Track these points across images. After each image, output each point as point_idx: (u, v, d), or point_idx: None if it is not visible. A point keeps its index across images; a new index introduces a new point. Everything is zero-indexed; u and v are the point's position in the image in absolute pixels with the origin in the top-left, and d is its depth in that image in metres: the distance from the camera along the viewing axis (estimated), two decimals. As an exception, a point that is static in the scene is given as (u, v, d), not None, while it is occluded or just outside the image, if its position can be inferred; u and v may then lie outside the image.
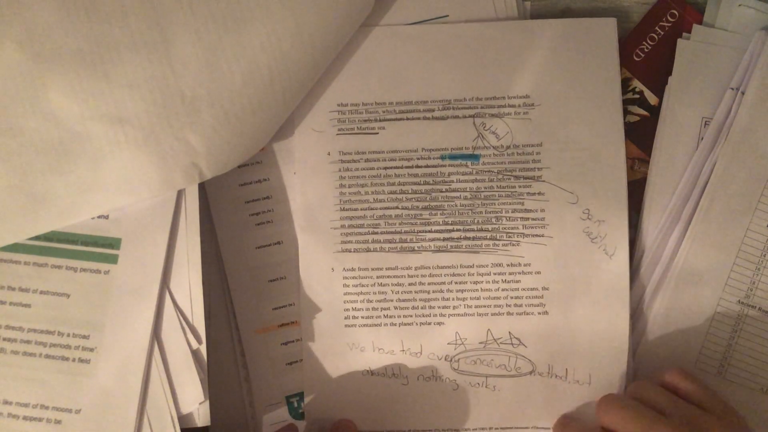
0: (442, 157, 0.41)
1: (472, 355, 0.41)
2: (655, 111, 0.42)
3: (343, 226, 0.41)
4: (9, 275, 0.36)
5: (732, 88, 0.41)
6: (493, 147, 0.41)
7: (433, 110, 0.41)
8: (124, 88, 0.35)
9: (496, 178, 0.41)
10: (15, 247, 0.37)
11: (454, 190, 0.41)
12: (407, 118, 0.41)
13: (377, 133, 0.41)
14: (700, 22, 0.42)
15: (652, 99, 0.43)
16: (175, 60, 0.35)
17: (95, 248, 0.37)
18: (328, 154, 0.41)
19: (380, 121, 0.41)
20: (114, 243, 0.37)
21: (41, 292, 0.37)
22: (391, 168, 0.41)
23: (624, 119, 0.42)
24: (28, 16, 0.35)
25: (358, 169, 0.41)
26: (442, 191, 0.41)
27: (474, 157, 0.41)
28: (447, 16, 0.42)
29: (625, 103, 0.42)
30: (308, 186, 0.41)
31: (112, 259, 0.37)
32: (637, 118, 0.42)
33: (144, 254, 0.37)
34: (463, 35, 0.41)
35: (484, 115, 0.41)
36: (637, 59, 0.43)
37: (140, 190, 0.36)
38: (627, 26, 0.43)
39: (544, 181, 0.41)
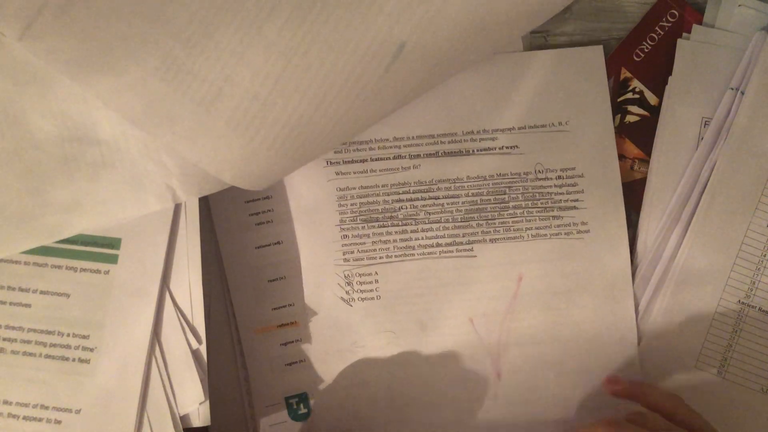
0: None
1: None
2: (655, 111, 0.42)
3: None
4: (9, 275, 0.36)
5: (732, 88, 0.41)
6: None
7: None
8: (100, 110, 0.35)
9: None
10: (15, 247, 0.37)
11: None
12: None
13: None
14: (700, 22, 0.42)
15: (652, 99, 0.43)
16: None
17: (95, 248, 0.37)
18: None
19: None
20: (114, 243, 0.37)
21: (41, 292, 0.36)
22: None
23: (623, 120, 0.42)
24: (6, 41, 0.34)
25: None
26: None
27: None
28: None
29: (625, 103, 0.42)
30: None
31: (112, 259, 0.37)
32: (637, 118, 0.42)
33: (144, 254, 0.37)
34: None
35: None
36: (637, 59, 0.43)
37: (115, 212, 0.36)
38: (627, 26, 0.43)
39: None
